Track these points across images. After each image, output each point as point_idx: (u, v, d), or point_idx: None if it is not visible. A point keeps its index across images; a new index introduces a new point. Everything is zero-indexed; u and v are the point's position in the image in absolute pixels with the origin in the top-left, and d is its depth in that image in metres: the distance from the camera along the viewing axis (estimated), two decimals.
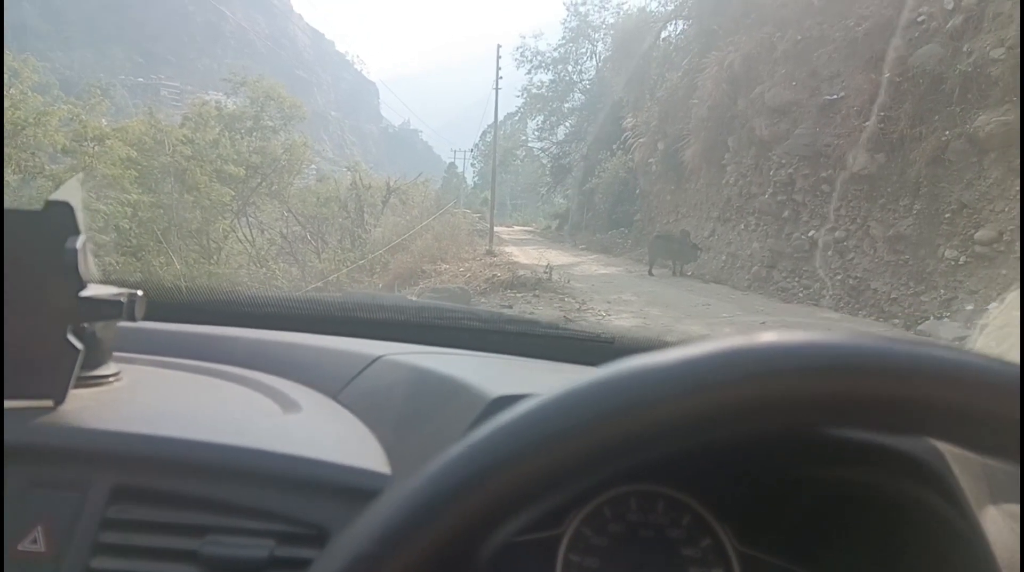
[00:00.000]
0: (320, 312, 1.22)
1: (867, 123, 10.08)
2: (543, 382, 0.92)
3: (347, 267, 15.39)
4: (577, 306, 9.87)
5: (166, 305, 1.12)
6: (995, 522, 0.64)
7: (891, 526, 0.65)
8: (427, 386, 0.82)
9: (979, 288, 7.87)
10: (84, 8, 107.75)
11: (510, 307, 9.64)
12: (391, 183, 20.77)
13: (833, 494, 0.67)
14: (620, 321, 8.80)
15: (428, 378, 0.83)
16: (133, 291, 0.73)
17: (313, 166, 28.33)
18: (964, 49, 8.95)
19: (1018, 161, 7.99)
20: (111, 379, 0.77)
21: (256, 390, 0.85)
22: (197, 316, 1.12)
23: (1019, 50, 6.41)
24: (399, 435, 0.73)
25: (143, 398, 0.77)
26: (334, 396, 0.87)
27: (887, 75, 10.03)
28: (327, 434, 0.75)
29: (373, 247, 16.78)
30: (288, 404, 0.81)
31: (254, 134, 20.00)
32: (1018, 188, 7.91)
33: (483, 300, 10.41)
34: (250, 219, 18.98)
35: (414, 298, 10.55)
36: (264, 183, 18.80)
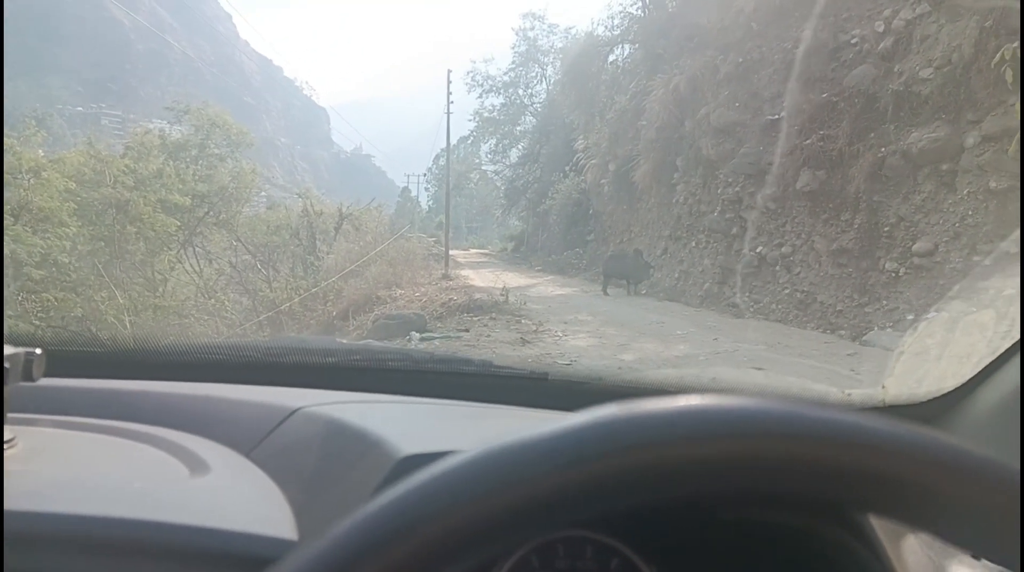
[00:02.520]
0: (243, 359, 1.18)
1: (807, 142, 10.47)
2: (462, 433, 0.92)
3: (299, 295, 15.20)
4: (534, 328, 9.91)
5: (73, 359, 1.06)
6: (914, 552, 0.68)
7: (809, 565, 0.68)
8: (341, 441, 0.80)
9: (918, 298, 8.20)
10: (18, 36, 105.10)
11: (467, 330, 9.65)
12: (343, 209, 20.66)
13: (756, 535, 0.70)
14: (576, 341, 8.88)
15: (343, 432, 0.81)
16: (30, 350, 0.71)
17: (263, 193, 27.98)
18: (895, 69, 9.40)
19: (950, 176, 8.41)
20: (4, 447, 0.72)
21: (164, 450, 0.81)
22: (107, 370, 1.07)
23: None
24: (309, 496, 0.71)
25: (36, 467, 0.72)
26: (247, 453, 0.84)
27: (824, 95, 10.46)
28: (235, 499, 0.72)
29: (326, 274, 16.62)
30: (196, 465, 0.77)
31: (200, 162, 19.70)
32: (952, 201, 8.31)
33: (439, 324, 10.39)
34: (197, 249, 18.61)
35: (370, 324, 10.48)
36: (211, 212, 18.49)
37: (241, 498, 0.73)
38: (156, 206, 16.70)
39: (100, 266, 14.76)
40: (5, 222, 12.96)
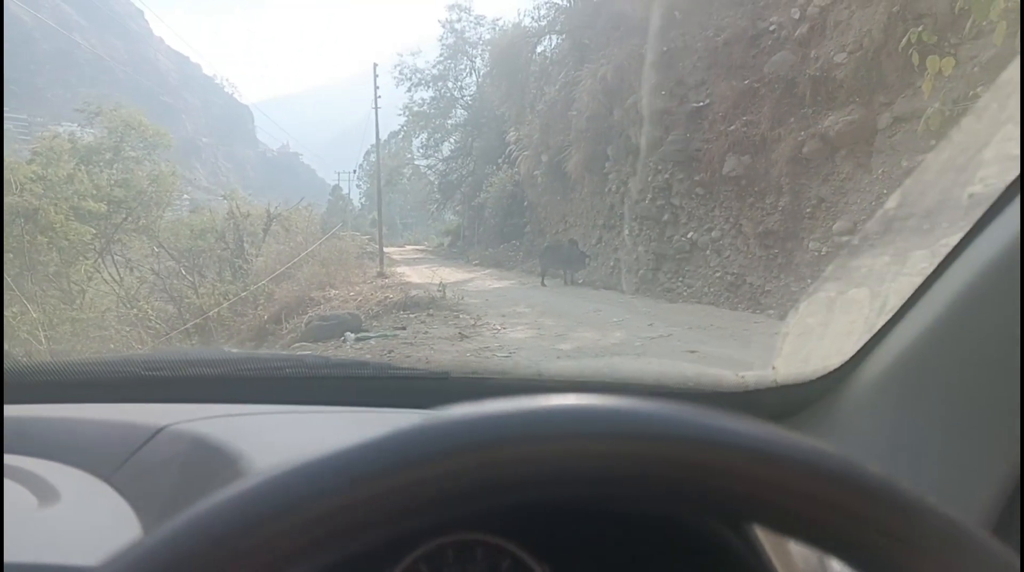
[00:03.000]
0: (115, 375, 1.11)
1: (732, 127, 10.77)
2: (332, 443, 0.88)
3: (228, 301, 14.76)
4: (472, 322, 9.91)
5: None
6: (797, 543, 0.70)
7: (694, 560, 0.69)
8: (202, 459, 0.76)
9: (841, 276, 8.56)
10: None
11: (404, 328, 9.57)
12: (272, 210, 20.14)
13: (646, 527, 0.71)
14: (515, 334, 8.92)
15: (205, 449, 0.78)
16: None
17: (186, 196, 27.08)
18: (812, 55, 9.76)
19: (865, 157, 8.79)
20: None
21: (13, 480, 0.75)
22: None
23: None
24: (164, 521, 0.68)
25: None
26: (107, 478, 0.79)
27: (746, 82, 10.78)
28: (83, 529, 0.67)
29: (256, 278, 16.18)
30: (46, 494, 0.72)
31: (115, 166, 18.91)
32: (868, 181, 8.69)
33: (375, 323, 10.26)
34: (116, 257, 17.85)
35: (303, 327, 10.25)
36: (130, 218, 17.78)
37: (90, 528, 0.68)
38: (69, 214, 16.01)
39: (9, 280, 13.99)
40: None
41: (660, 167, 12.74)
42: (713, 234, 11.23)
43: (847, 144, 8.97)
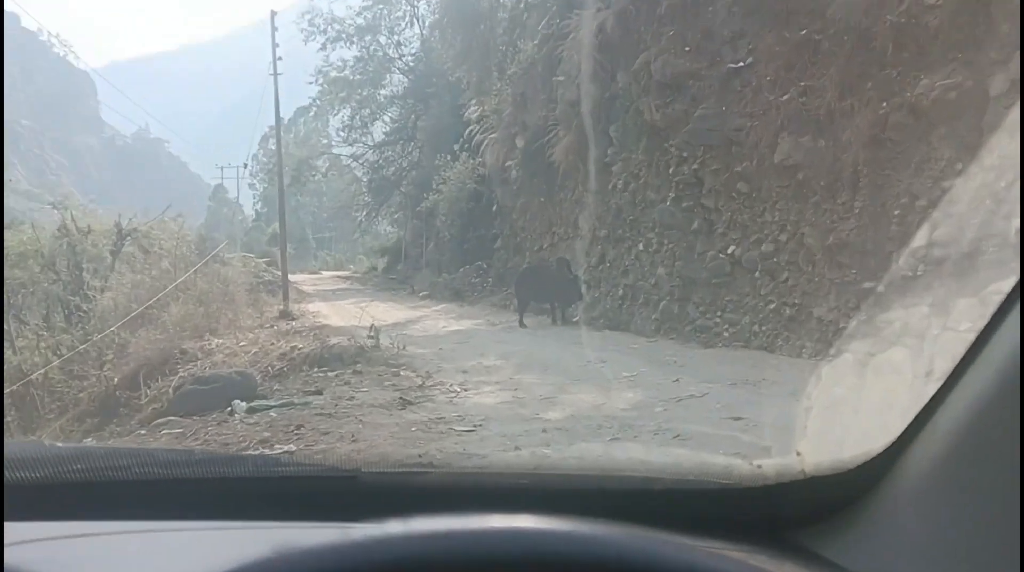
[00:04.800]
0: None
1: (785, 97, 10.90)
2: None
3: (60, 357, 14.54)
4: (419, 381, 9.84)
5: None
6: None
7: None
8: None
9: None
10: None
11: (319, 393, 9.50)
12: (124, 223, 19.95)
13: None
14: (481, 398, 8.87)
15: None
16: None
17: None
18: None
19: (972, 136, 8.95)
20: None
21: None
22: None
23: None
24: None
25: None
26: None
27: (803, 32, 10.95)
28: None
29: (101, 323, 15.96)
30: None
31: None
32: (977, 170, 8.84)
33: (277, 387, 10.17)
34: None
35: (171, 393, 10.11)
36: None
37: None
38: None
39: None
40: None
41: (686, 154, 12.85)
42: (764, 248, 11.32)
43: (947, 119, 9.10)
